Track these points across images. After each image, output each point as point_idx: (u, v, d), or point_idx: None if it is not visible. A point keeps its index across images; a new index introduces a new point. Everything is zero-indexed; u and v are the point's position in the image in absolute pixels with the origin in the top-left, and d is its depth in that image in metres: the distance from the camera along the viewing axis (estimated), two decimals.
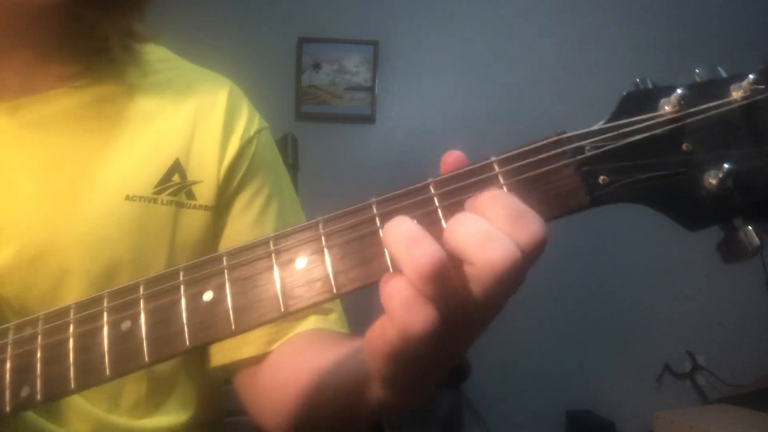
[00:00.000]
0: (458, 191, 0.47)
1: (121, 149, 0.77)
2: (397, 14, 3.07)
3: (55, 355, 0.49)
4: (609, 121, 0.48)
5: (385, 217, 0.47)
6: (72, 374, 0.48)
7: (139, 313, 0.48)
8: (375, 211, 0.48)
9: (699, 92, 0.46)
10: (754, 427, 2.32)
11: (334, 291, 0.46)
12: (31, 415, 0.69)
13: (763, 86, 0.46)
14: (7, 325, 0.52)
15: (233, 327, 0.47)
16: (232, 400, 0.88)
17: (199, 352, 0.84)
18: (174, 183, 0.79)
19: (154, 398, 0.80)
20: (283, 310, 0.47)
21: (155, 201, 0.77)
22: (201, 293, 0.48)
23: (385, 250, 0.46)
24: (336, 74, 3.02)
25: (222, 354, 0.82)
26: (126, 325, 0.48)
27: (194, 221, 0.80)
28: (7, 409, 0.49)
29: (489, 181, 0.47)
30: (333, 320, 0.85)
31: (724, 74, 0.48)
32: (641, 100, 0.48)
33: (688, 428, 2.36)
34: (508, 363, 2.86)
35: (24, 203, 0.71)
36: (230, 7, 2.96)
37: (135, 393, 0.78)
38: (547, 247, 0.46)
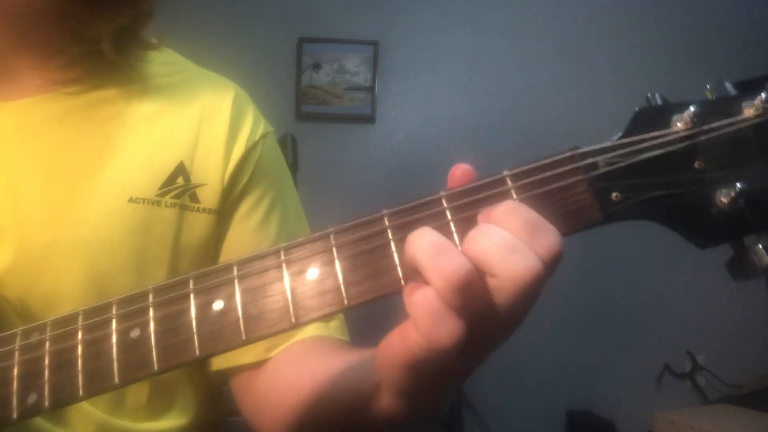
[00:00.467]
0: (471, 205, 0.47)
1: (125, 151, 0.77)
2: (397, 14, 3.06)
3: (63, 361, 0.49)
4: (622, 136, 0.48)
5: (397, 229, 0.47)
6: (80, 381, 0.48)
7: (148, 322, 0.48)
8: (387, 223, 0.47)
9: (711, 110, 0.46)
10: (754, 427, 2.32)
11: (345, 303, 0.46)
12: (35, 418, 0.69)
13: None
14: (14, 330, 0.52)
15: (243, 337, 0.47)
16: (232, 401, 0.89)
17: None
18: (178, 185, 0.78)
19: (157, 401, 0.80)
20: (293, 321, 0.46)
21: (159, 203, 0.76)
22: (211, 302, 0.48)
23: (397, 262, 0.46)
24: (336, 74, 3.02)
25: (222, 359, 0.82)
26: (135, 333, 0.48)
27: (198, 224, 0.80)
28: (14, 415, 0.49)
29: (502, 196, 0.47)
30: (334, 328, 0.85)
31: (733, 91, 0.48)
32: (654, 116, 0.48)
33: (688, 428, 2.37)
34: (508, 363, 2.86)
35: (26, 204, 0.71)
36: (230, 7, 2.95)
37: (138, 396, 0.78)
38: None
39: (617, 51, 3.09)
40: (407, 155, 3.02)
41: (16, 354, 0.50)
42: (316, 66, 3.01)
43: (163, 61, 0.86)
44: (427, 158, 3.01)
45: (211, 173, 0.81)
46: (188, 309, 0.48)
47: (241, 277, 0.48)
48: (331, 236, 0.48)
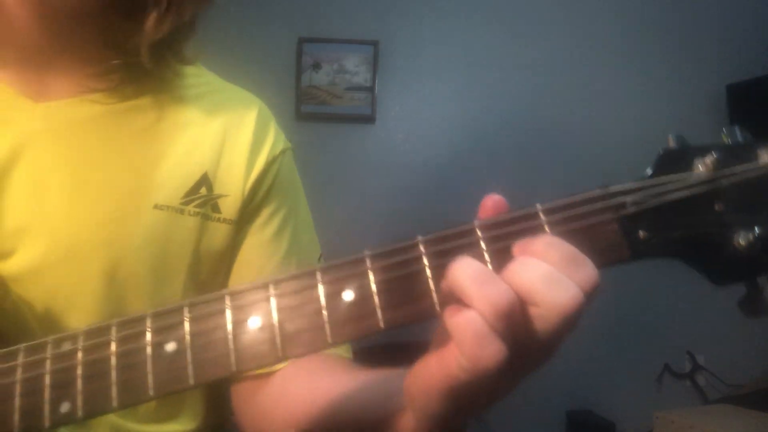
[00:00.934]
0: (505, 236, 0.48)
1: (152, 158, 0.78)
2: (397, 14, 3.07)
3: (96, 372, 0.49)
4: (648, 177, 0.50)
5: (433, 256, 0.48)
6: (114, 392, 0.48)
7: (184, 336, 0.49)
8: (422, 250, 0.49)
9: (731, 154, 0.49)
10: (754, 427, 2.32)
11: (381, 326, 0.47)
12: None
13: None
14: (45, 339, 0.52)
15: (280, 354, 0.47)
16: None
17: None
18: (201, 195, 0.80)
19: (167, 406, 0.82)
20: (330, 341, 0.47)
21: (182, 212, 0.78)
22: (247, 319, 0.48)
23: (433, 288, 0.47)
24: (336, 74, 3.02)
25: None
26: (171, 346, 0.49)
27: (218, 234, 0.81)
28: (47, 424, 0.49)
29: (535, 229, 0.48)
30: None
31: (740, 137, 0.51)
32: (677, 158, 0.50)
33: (688, 428, 2.37)
34: None
35: (54, 205, 0.72)
36: (230, 7, 2.95)
37: (151, 401, 0.79)
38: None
39: (617, 51, 3.10)
40: (407, 155, 3.02)
41: (48, 363, 0.50)
42: (316, 66, 3.01)
43: (192, 72, 0.87)
44: (427, 158, 3.02)
45: (233, 185, 0.82)
46: (224, 325, 0.48)
47: (277, 296, 0.49)
48: (367, 260, 0.49)
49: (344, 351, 0.86)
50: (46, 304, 0.70)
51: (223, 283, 0.84)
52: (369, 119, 3.03)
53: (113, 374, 0.49)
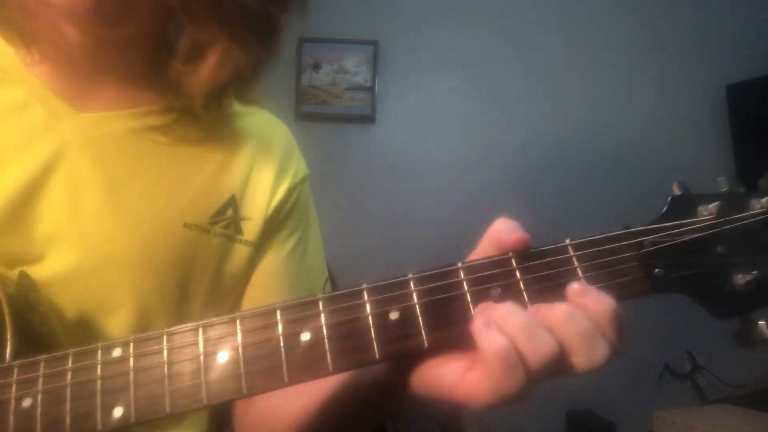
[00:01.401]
0: (538, 268, 0.54)
1: (185, 176, 0.80)
2: (397, 14, 3.06)
3: (149, 379, 0.51)
4: (661, 220, 0.57)
5: (472, 283, 0.53)
6: (167, 399, 0.50)
7: (237, 347, 0.51)
8: (462, 276, 0.53)
9: (731, 203, 0.56)
10: (754, 427, 2.32)
11: (426, 346, 0.51)
12: None
13: None
14: (95, 345, 0.53)
15: (330, 369, 0.50)
16: None
17: None
18: (227, 217, 0.82)
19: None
20: (378, 357, 0.51)
21: (209, 231, 0.80)
22: (299, 333, 0.51)
23: (473, 312, 0.52)
24: (336, 74, 3.02)
25: None
26: (224, 356, 0.50)
27: (239, 255, 0.83)
28: (99, 428, 0.50)
29: (564, 262, 0.54)
30: None
31: (740, 187, 0.58)
32: (685, 204, 0.57)
33: (688, 428, 2.37)
34: None
35: (88, 215, 0.73)
36: None
37: None
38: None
39: (617, 51, 3.10)
40: (407, 155, 3.02)
41: (99, 368, 0.52)
42: (316, 66, 3.01)
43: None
44: (427, 158, 3.01)
45: (257, 208, 0.85)
46: (277, 338, 0.51)
47: (328, 312, 0.51)
48: (411, 282, 0.53)
49: None
50: (73, 312, 0.71)
51: (236, 304, 0.86)
52: (369, 119, 3.03)
53: (166, 382, 0.50)
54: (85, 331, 0.71)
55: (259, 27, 0.77)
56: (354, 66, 3.02)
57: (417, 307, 0.52)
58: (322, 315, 0.51)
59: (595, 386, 2.95)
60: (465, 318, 0.52)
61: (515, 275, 0.53)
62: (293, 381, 0.49)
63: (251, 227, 0.84)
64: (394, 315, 0.51)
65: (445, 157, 3.02)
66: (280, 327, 0.51)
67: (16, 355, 0.56)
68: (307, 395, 0.73)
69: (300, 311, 0.51)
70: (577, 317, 0.49)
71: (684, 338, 2.94)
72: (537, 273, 0.54)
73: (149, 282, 0.75)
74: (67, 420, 0.50)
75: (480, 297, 0.52)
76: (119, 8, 0.67)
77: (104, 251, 0.72)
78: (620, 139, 3.05)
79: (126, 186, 0.76)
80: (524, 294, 0.53)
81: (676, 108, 3.06)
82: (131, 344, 0.52)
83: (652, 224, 0.56)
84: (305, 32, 3.00)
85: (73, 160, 0.73)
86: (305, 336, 0.50)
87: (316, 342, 0.50)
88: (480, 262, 0.54)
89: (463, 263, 0.54)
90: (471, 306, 0.52)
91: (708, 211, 0.55)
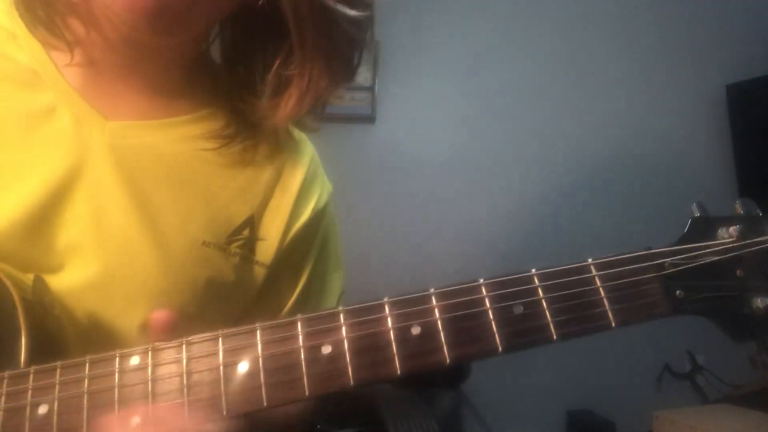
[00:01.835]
0: (560, 286, 0.54)
1: (209, 192, 0.78)
2: (397, 14, 3.06)
3: (168, 389, 0.51)
4: (682, 241, 0.57)
5: (495, 300, 0.53)
6: (186, 410, 0.50)
7: (257, 358, 0.50)
8: (484, 292, 0.53)
9: (750, 225, 0.56)
10: (754, 427, 2.32)
11: (447, 361, 0.51)
12: None
13: None
14: (112, 353, 0.53)
15: (351, 382, 0.50)
16: None
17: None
18: (243, 237, 0.80)
19: None
20: (399, 373, 0.50)
21: (226, 251, 0.78)
22: (320, 346, 0.51)
23: (495, 329, 0.52)
24: None
25: None
26: (243, 367, 0.50)
27: (252, 276, 0.82)
28: None
29: (588, 282, 0.54)
30: None
31: (758, 210, 0.59)
32: (705, 226, 0.58)
33: (688, 428, 2.37)
34: (508, 362, 2.86)
35: (112, 228, 0.71)
36: None
37: None
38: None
39: (617, 51, 3.10)
40: (407, 155, 3.02)
41: (116, 376, 0.52)
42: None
43: None
44: (427, 158, 3.01)
45: (273, 231, 0.82)
46: (298, 350, 0.50)
47: (349, 326, 0.51)
48: (433, 297, 0.53)
49: None
50: (88, 323, 0.70)
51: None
52: (369, 119, 3.03)
53: (185, 392, 0.50)
54: (99, 343, 0.67)
55: (351, 54, 0.78)
56: None
57: (439, 322, 0.52)
58: (344, 328, 0.51)
59: (595, 386, 2.95)
60: (487, 334, 0.52)
61: (538, 293, 0.54)
62: (313, 394, 0.49)
63: (265, 249, 0.82)
64: (415, 330, 0.51)
65: (445, 157, 3.02)
66: (300, 339, 0.50)
67: (30, 359, 0.55)
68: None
69: (321, 323, 0.51)
70: None
71: (684, 338, 2.94)
72: (560, 291, 0.54)
73: (166, 297, 0.73)
74: (84, 428, 0.49)
75: (502, 314, 0.53)
76: (179, 18, 0.65)
77: (124, 265, 0.71)
78: (620, 138, 3.05)
79: (149, 199, 0.74)
80: (547, 313, 0.53)
81: (676, 108, 3.07)
82: (150, 353, 0.52)
83: (673, 246, 0.56)
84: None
85: (97, 168, 0.72)
86: (326, 349, 0.50)
87: (337, 355, 0.50)
88: (502, 278, 0.54)
89: (485, 279, 0.54)
90: (493, 323, 0.52)
91: (728, 234, 0.56)
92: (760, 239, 0.56)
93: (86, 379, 0.51)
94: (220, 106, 0.80)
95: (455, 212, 2.96)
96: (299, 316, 0.52)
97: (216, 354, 0.51)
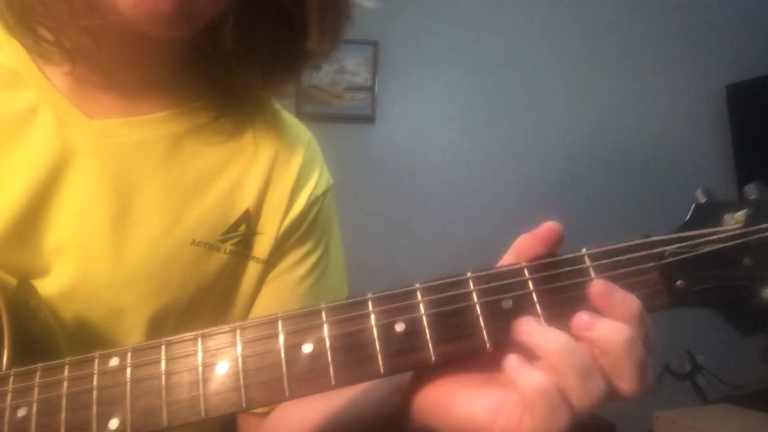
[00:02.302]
0: (551, 278, 0.51)
1: (199, 190, 0.75)
2: (397, 14, 3.05)
3: (146, 390, 0.49)
4: (684, 229, 0.53)
5: (483, 294, 0.50)
6: (164, 412, 0.48)
7: (236, 357, 0.49)
8: (472, 286, 0.51)
9: (760, 210, 0.52)
10: (754, 427, 2.32)
11: (433, 360, 0.49)
12: None
13: None
14: (92, 354, 0.52)
15: (333, 382, 0.48)
16: None
17: None
18: (240, 233, 0.77)
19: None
20: (382, 371, 0.48)
21: (219, 249, 0.76)
22: (300, 345, 0.49)
23: (483, 324, 0.50)
24: (336, 74, 3.01)
25: None
26: (223, 368, 0.49)
27: (249, 272, 0.80)
28: None
29: (581, 273, 0.51)
30: None
31: (761, 193, 0.54)
32: (709, 213, 0.53)
33: (688, 428, 2.37)
34: None
35: (92, 231, 0.69)
36: None
37: None
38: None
39: (617, 50, 3.10)
40: (407, 155, 3.02)
41: (95, 378, 0.51)
42: (316, 66, 2.98)
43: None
44: (427, 158, 3.01)
45: (270, 224, 0.80)
46: (278, 349, 0.49)
47: (331, 323, 0.49)
48: (418, 293, 0.50)
49: None
50: (77, 326, 0.69)
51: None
52: (369, 119, 3.02)
53: (163, 393, 0.49)
54: (89, 343, 0.67)
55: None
56: (354, 66, 3.01)
57: (424, 318, 0.49)
58: (325, 326, 0.49)
59: None
60: (474, 331, 0.49)
61: (528, 286, 0.51)
62: (294, 394, 0.48)
63: (263, 243, 0.79)
64: (399, 327, 0.49)
65: (445, 157, 3.02)
66: (281, 338, 0.49)
67: (13, 362, 0.55)
68: (320, 414, 0.70)
69: (302, 321, 0.49)
70: (637, 346, 0.46)
71: (684, 338, 2.94)
72: (551, 284, 0.51)
73: (155, 300, 0.72)
74: (62, 431, 0.49)
75: (490, 309, 0.49)
76: (197, 14, 0.64)
77: (108, 268, 0.69)
78: (619, 138, 3.04)
79: (135, 200, 0.72)
80: (537, 307, 0.50)
81: (675, 108, 3.06)
82: (129, 353, 0.50)
83: (674, 233, 0.53)
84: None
85: (81, 169, 0.70)
86: (307, 348, 0.48)
87: (318, 354, 0.48)
88: (491, 272, 0.51)
89: (473, 273, 0.51)
90: (481, 318, 0.49)
91: (734, 219, 0.51)
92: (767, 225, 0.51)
93: (65, 381, 0.50)
94: (208, 96, 0.78)
95: (455, 212, 2.96)
96: (280, 314, 0.50)
97: (195, 354, 0.49)
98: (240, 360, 0.49)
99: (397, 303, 0.50)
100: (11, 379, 0.51)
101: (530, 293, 0.50)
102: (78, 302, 0.69)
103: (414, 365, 0.49)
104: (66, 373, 0.51)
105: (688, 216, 0.54)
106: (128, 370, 0.50)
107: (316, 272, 0.86)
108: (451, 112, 3.05)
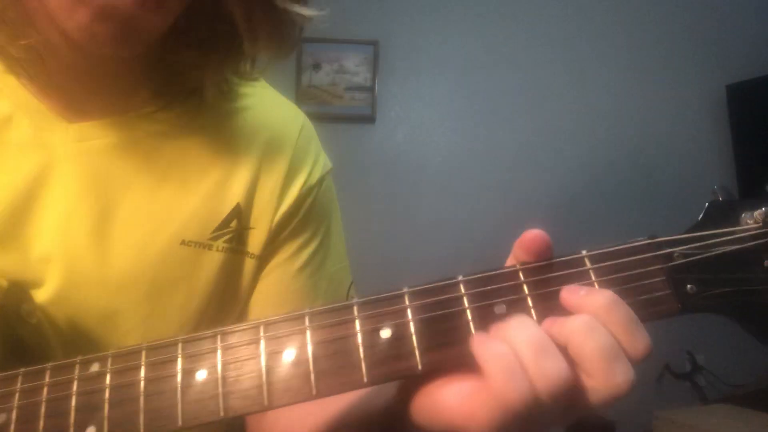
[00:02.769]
0: (548, 282, 0.48)
1: (185, 188, 0.73)
2: (397, 14, 3.06)
3: (124, 397, 0.48)
4: (695, 228, 0.49)
5: (474, 297, 0.47)
6: (141, 420, 0.47)
7: (215, 364, 0.47)
8: (463, 290, 0.48)
9: None
10: (754, 427, 2.31)
11: (419, 369, 0.46)
12: None
13: None
14: (73, 359, 0.51)
15: (314, 392, 0.46)
16: None
17: None
18: (231, 229, 0.75)
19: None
20: (366, 380, 0.46)
21: (210, 247, 0.73)
22: (281, 352, 0.47)
23: (474, 331, 0.46)
24: (336, 74, 3.01)
25: None
26: (201, 375, 0.47)
27: (243, 268, 0.77)
28: None
29: (580, 276, 0.48)
30: None
31: None
32: (724, 211, 0.49)
33: (688, 428, 2.36)
34: None
35: (77, 237, 0.68)
36: None
37: None
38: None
39: (617, 50, 3.09)
40: (407, 155, 3.01)
41: (75, 384, 0.49)
42: (316, 66, 3.00)
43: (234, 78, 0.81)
44: (427, 158, 3.01)
45: (263, 217, 0.77)
46: (258, 356, 0.47)
47: (313, 329, 0.47)
48: (406, 297, 0.48)
49: None
50: (71, 331, 0.68)
51: (241, 318, 0.78)
52: (369, 119, 3.02)
53: (141, 400, 0.47)
54: (83, 347, 0.64)
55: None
56: (354, 66, 3.01)
57: (411, 324, 0.46)
58: (308, 332, 0.47)
59: None
60: (464, 337, 0.46)
61: (523, 290, 0.47)
62: (274, 404, 0.46)
63: (256, 238, 0.77)
64: (385, 333, 0.46)
65: (445, 157, 3.01)
66: (262, 344, 0.47)
67: (2, 367, 0.53)
68: (324, 414, 0.68)
69: (285, 327, 0.47)
70: (591, 331, 0.43)
71: (684, 338, 2.93)
72: (548, 288, 0.47)
73: (148, 304, 0.70)
74: None
75: (482, 314, 0.47)
76: (145, 32, 0.62)
77: (96, 274, 0.68)
78: (619, 138, 3.04)
79: (119, 203, 0.70)
80: (532, 312, 0.47)
81: (675, 108, 3.05)
82: (109, 359, 0.49)
83: (683, 234, 0.49)
84: (305, 32, 2.99)
85: (63, 175, 0.68)
86: (289, 355, 0.46)
87: (299, 361, 0.46)
88: (483, 275, 0.48)
89: (464, 276, 0.48)
90: (471, 324, 0.46)
91: (753, 219, 0.47)
92: None
93: (45, 387, 0.49)
94: (189, 90, 0.75)
95: (455, 212, 2.96)
96: (262, 319, 0.48)
97: (175, 360, 0.48)
98: (219, 367, 0.47)
99: (383, 308, 0.47)
100: None
101: (525, 298, 0.47)
102: (69, 309, 0.67)
103: (399, 374, 0.46)
104: (47, 378, 0.50)
105: (701, 215, 0.50)
106: (108, 376, 0.49)
107: (315, 263, 0.83)
108: (451, 112, 3.05)
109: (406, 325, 0.47)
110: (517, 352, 0.42)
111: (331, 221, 0.87)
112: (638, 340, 0.44)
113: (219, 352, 0.48)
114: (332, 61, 3.01)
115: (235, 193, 0.75)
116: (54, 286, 0.67)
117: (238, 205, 0.75)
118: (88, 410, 0.48)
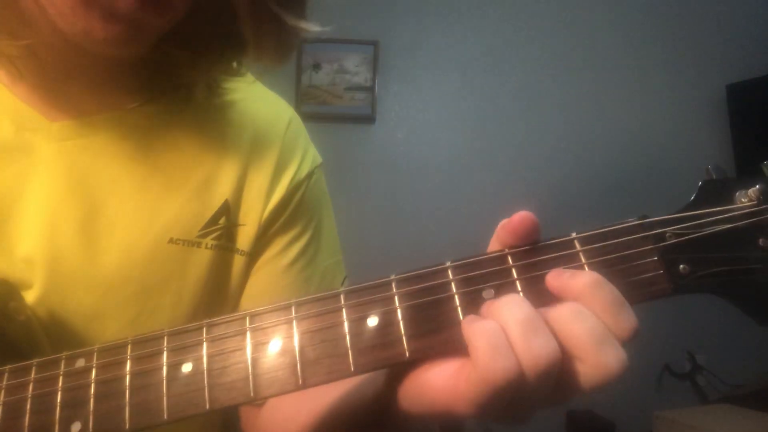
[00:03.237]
0: (537, 265, 0.47)
1: (172, 185, 0.73)
2: (397, 14, 3.06)
3: (110, 391, 0.47)
4: (688, 208, 0.48)
5: (462, 283, 0.47)
6: (127, 414, 0.47)
7: (201, 357, 0.47)
8: (450, 276, 0.47)
9: None
10: (754, 427, 2.31)
11: (407, 356, 0.45)
12: None
13: None
14: (59, 355, 0.50)
15: (300, 382, 0.45)
16: None
17: None
18: (220, 226, 0.74)
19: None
20: (353, 369, 0.45)
21: (198, 245, 0.73)
22: (266, 342, 0.46)
23: (462, 317, 0.46)
24: (336, 74, 3.01)
25: None
26: (187, 368, 0.47)
27: (233, 266, 0.77)
28: None
29: (570, 258, 0.47)
30: None
31: None
32: (718, 190, 0.49)
33: (688, 428, 2.36)
34: None
35: (62, 237, 0.67)
36: None
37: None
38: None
39: (617, 51, 3.09)
40: (407, 155, 3.01)
41: (60, 380, 0.49)
42: (316, 66, 3.00)
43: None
44: (427, 158, 3.01)
45: (251, 214, 0.77)
46: (244, 348, 0.46)
47: (299, 318, 0.47)
48: (393, 284, 0.47)
49: None
50: (61, 330, 0.67)
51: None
52: (369, 119, 3.02)
53: (127, 395, 0.47)
54: (73, 345, 0.63)
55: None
56: (354, 66, 3.01)
57: (399, 311, 0.46)
58: (294, 322, 0.46)
59: None
60: (453, 323, 0.45)
61: (511, 274, 0.47)
62: (259, 395, 0.45)
63: (245, 234, 0.76)
64: (372, 321, 0.46)
65: (445, 157, 3.01)
66: (248, 335, 0.46)
67: None
68: (316, 405, 0.67)
69: (271, 318, 0.47)
70: (578, 314, 0.42)
71: (684, 338, 2.93)
72: (537, 272, 0.46)
73: (136, 304, 0.69)
74: None
75: (470, 299, 0.46)
76: (145, 33, 0.61)
77: (83, 275, 0.67)
78: (619, 138, 3.04)
79: (104, 202, 0.69)
80: (521, 296, 0.46)
81: (676, 108, 3.05)
82: (95, 354, 0.49)
83: (676, 213, 0.48)
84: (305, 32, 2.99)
85: (45, 175, 0.67)
86: (275, 345, 0.46)
87: (285, 351, 0.45)
88: (471, 260, 0.48)
89: (452, 262, 0.48)
90: (460, 309, 0.46)
91: (747, 197, 0.46)
92: None
93: (31, 383, 0.49)
94: (176, 87, 0.75)
95: (455, 212, 2.95)
96: (248, 310, 0.48)
97: (161, 354, 0.47)
98: (205, 359, 0.47)
99: (370, 296, 0.47)
100: None
101: (513, 282, 0.46)
102: (57, 310, 0.67)
103: (387, 362, 0.46)
104: (33, 375, 0.49)
105: (694, 194, 0.49)
106: (93, 371, 0.48)
107: (306, 257, 0.82)
108: (451, 112, 3.05)
109: (393, 312, 0.46)
110: (505, 328, 0.42)
111: (322, 216, 0.86)
112: (623, 321, 0.43)
113: (205, 344, 0.47)
114: (332, 61, 3.01)
115: (223, 189, 0.75)
116: (40, 287, 0.66)
117: (226, 202, 0.75)
118: (74, 406, 0.48)
